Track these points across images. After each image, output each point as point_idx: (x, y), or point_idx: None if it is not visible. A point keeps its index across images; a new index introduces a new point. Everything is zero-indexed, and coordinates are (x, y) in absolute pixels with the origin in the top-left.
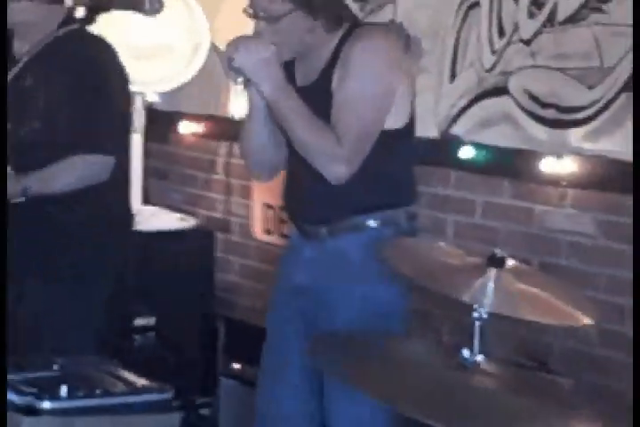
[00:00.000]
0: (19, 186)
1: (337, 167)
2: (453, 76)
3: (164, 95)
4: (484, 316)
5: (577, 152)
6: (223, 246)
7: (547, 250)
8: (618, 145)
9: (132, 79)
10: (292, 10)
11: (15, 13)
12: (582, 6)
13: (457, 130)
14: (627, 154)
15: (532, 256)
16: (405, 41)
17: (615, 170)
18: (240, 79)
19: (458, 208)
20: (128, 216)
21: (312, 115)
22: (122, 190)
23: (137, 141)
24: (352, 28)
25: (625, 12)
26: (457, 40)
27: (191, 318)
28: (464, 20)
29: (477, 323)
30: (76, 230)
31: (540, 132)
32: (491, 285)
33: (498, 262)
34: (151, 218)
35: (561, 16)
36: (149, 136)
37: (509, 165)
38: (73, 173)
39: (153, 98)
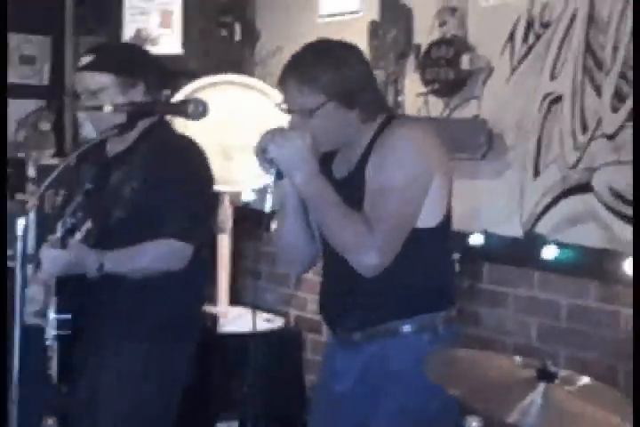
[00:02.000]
0: (97, 261)
1: (368, 257)
2: (537, 172)
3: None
4: None
5: None
6: (313, 347)
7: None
8: None
9: (220, 178)
10: (326, 102)
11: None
12: None
13: (541, 228)
14: None
15: (618, 362)
16: (487, 137)
17: None
18: (273, 171)
19: (542, 310)
20: (198, 314)
21: (344, 206)
22: (196, 283)
23: (224, 241)
24: (388, 119)
25: None
26: (540, 135)
27: (279, 423)
28: (547, 114)
29: None
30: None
31: (625, 231)
32: (537, 403)
33: (548, 376)
34: (237, 319)
35: None
36: (242, 235)
37: (595, 265)
38: (151, 255)
39: (248, 197)
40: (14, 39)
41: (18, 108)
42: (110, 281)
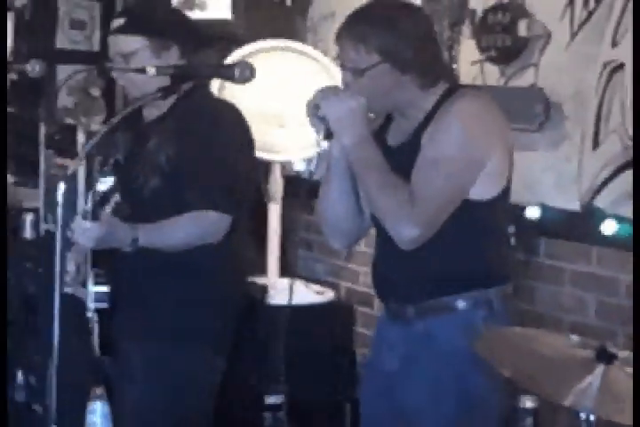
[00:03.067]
0: (129, 236)
1: (406, 229)
2: (596, 143)
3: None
4: (592, 419)
5: None
6: (364, 321)
7: None
8: None
9: (271, 147)
10: (379, 62)
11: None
12: None
13: (600, 202)
14: None
15: None
16: (545, 106)
17: None
18: (322, 129)
19: (601, 287)
20: (241, 283)
21: (390, 173)
22: (234, 254)
23: (274, 211)
24: (451, 89)
25: None
26: (600, 105)
27: (328, 398)
28: (607, 83)
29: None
30: (178, 293)
31: None
32: (595, 385)
33: (607, 357)
34: (286, 291)
35: None
36: (295, 206)
37: None
38: (186, 228)
39: (300, 166)
40: (64, 4)
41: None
42: (145, 256)
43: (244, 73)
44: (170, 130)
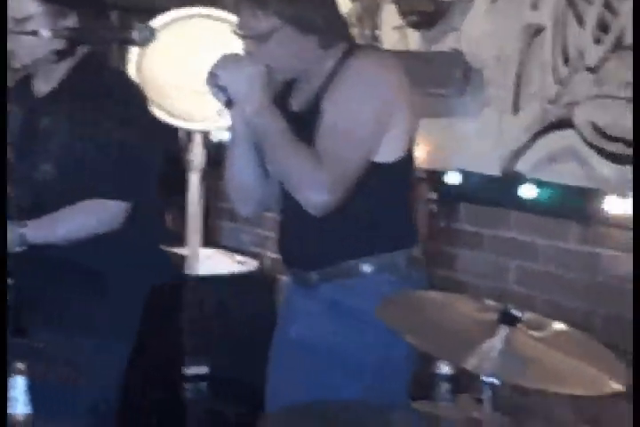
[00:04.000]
0: (16, 232)
1: (316, 194)
2: (517, 108)
3: None
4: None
5: None
6: None
7: (615, 300)
8: None
9: (192, 115)
10: (280, 26)
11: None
12: None
13: (520, 167)
14: None
15: (596, 307)
16: (465, 71)
17: None
18: (223, 98)
19: (520, 252)
20: (155, 262)
21: (294, 140)
22: (147, 235)
23: (194, 181)
24: (350, 50)
25: None
26: (520, 69)
27: (251, 367)
28: (527, 47)
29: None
30: (90, 279)
31: (606, 168)
32: (497, 348)
33: (510, 320)
34: (207, 261)
35: (628, 40)
36: (219, 175)
37: (574, 205)
38: (78, 220)
39: (223, 135)
40: None
41: None
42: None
43: (144, 34)
44: (63, 110)
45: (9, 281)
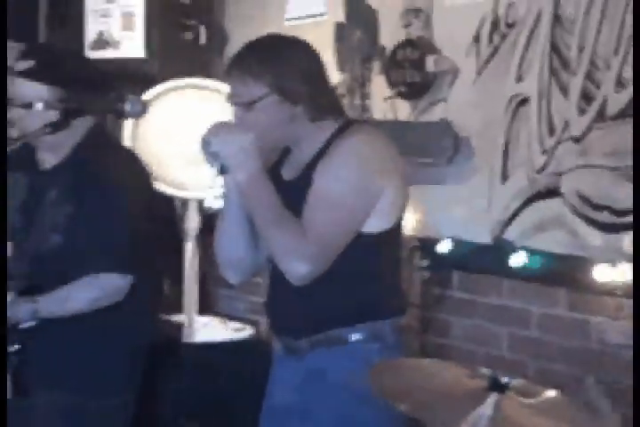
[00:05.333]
0: (28, 309)
1: (298, 265)
2: (505, 177)
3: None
4: None
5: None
6: None
7: (606, 367)
8: None
9: (186, 185)
10: (267, 94)
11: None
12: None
13: (510, 235)
14: None
15: (587, 373)
16: (454, 140)
17: None
18: (216, 165)
19: (512, 319)
20: (150, 326)
21: (282, 209)
22: (146, 304)
23: (190, 249)
24: (347, 123)
25: None
26: (507, 139)
27: None
28: (514, 117)
29: None
30: (90, 349)
31: (593, 237)
32: (486, 415)
33: (499, 387)
34: (203, 329)
35: (611, 111)
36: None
37: (564, 272)
38: (85, 294)
39: (216, 203)
40: None
41: None
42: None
43: (136, 108)
44: (69, 185)
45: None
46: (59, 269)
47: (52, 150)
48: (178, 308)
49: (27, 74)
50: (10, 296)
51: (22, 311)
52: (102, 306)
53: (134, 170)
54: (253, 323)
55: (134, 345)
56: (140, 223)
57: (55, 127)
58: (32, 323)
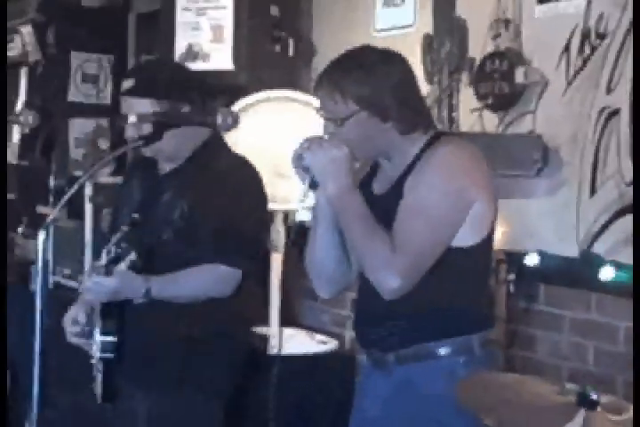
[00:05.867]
0: (143, 287)
1: (387, 280)
2: (594, 189)
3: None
4: None
5: None
6: None
7: None
8: None
9: (274, 196)
10: (356, 111)
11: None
12: None
13: (598, 248)
14: None
15: None
16: (543, 153)
17: None
18: (308, 180)
19: (599, 334)
20: (246, 333)
21: (373, 223)
22: (243, 305)
23: (276, 261)
24: (437, 136)
25: None
26: (597, 151)
27: None
28: (604, 129)
29: None
30: (184, 342)
31: None
32: None
33: (589, 403)
34: (289, 341)
35: None
36: (301, 255)
37: None
38: (198, 281)
39: (304, 216)
40: (77, 58)
41: (80, 127)
42: (155, 307)
43: (227, 121)
44: (185, 185)
45: None
46: (171, 264)
47: (170, 159)
48: (263, 319)
49: (129, 92)
50: (129, 274)
51: (137, 287)
52: (209, 295)
53: (249, 173)
54: (337, 335)
55: (233, 351)
56: (252, 222)
57: (148, 139)
58: (142, 301)
